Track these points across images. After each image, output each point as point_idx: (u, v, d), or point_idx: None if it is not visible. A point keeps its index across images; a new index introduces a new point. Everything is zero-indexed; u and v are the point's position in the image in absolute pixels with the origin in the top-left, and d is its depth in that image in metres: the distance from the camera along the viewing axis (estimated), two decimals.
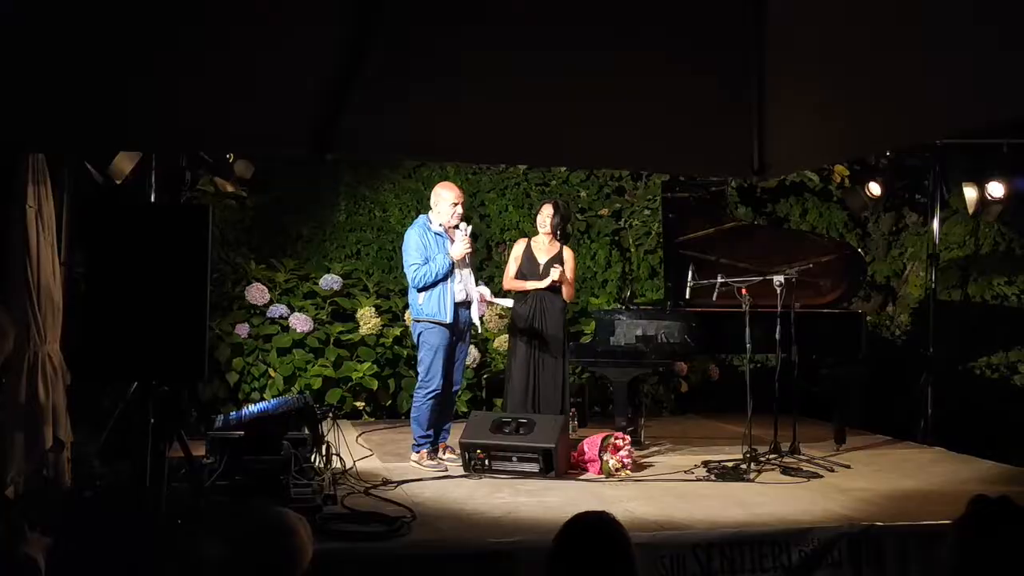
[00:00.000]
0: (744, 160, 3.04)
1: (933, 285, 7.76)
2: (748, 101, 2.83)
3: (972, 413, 7.96)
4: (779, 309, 5.88)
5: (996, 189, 7.49)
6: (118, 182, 5.62)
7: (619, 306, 7.51)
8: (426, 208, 6.58)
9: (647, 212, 8.69)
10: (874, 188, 7.95)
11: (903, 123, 2.75)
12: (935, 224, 7.76)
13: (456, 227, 5.70)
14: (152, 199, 5.50)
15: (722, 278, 6.09)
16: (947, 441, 6.96)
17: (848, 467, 5.79)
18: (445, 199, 5.70)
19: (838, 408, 6.60)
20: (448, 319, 5.59)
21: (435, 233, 5.69)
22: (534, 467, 5.31)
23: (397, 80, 2.72)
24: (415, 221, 5.85)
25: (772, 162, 3.02)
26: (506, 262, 8.41)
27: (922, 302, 8.85)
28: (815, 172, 8.67)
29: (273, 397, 7.20)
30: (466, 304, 5.74)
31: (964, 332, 8.15)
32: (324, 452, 4.82)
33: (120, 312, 3.43)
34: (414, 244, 5.62)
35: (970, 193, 7.63)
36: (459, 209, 5.71)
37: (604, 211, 8.73)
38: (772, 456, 5.86)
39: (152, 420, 3.43)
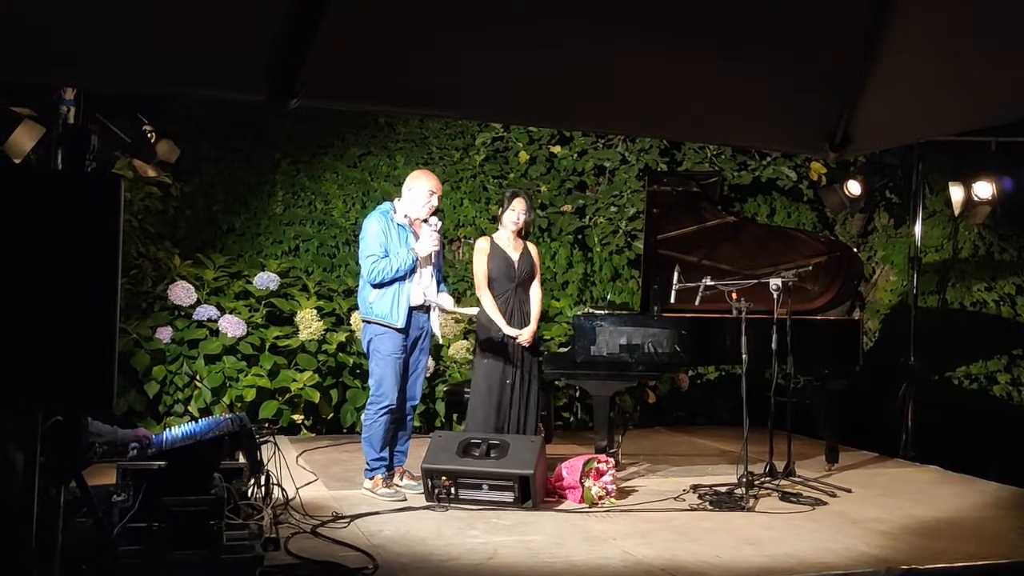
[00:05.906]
0: (822, 133, 2.42)
1: (915, 290, 7.31)
2: (849, 64, 2.20)
3: (950, 426, 7.59)
4: (775, 316, 5.30)
5: (984, 189, 7.08)
6: (17, 161, 4.82)
7: (590, 310, 6.84)
8: (372, 200, 5.84)
9: (613, 209, 8.07)
10: (853, 187, 7.51)
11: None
12: (917, 226, 7.32)
13: (425, 221, 4.98)
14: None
15: (709, 280, 5.48)
16: (927, 455, 6.62)
17: (849, 491, 5.26)
18: (421, 187, 4.99)
19: (830, 424, 6.06)
20: (400, 323, 4.87)
21: (399, 224, 4.96)
22: (508, 496, 4.62)
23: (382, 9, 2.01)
24: (377, 208, 5.10)
25: (858, 135, 2.40)
26: (462, 261, 7.75)
27: (894, 308, 8.45)
28: (791, 169, 8.18)
29: (200, 410, 6.38)
30: (423, 308, 5.02)
31: (941, 340, 7.75)
32: (264, 484, 4.03)
33: None
34: (374, 233, 4.89)
35: (956, 193, 7.20)
36: (435, 201, 5.02)
37: (567, 207, 8.09)
38: (766, 479, 5.30)
39: (41, 458, 2.62)
